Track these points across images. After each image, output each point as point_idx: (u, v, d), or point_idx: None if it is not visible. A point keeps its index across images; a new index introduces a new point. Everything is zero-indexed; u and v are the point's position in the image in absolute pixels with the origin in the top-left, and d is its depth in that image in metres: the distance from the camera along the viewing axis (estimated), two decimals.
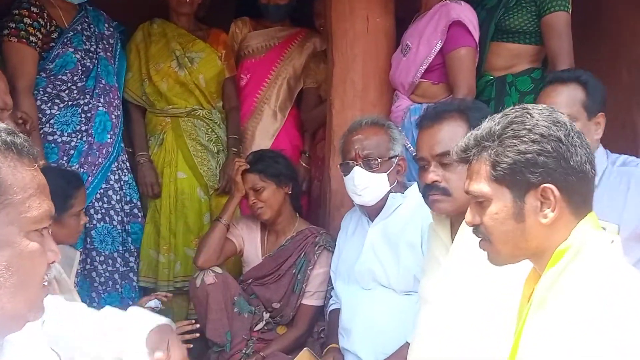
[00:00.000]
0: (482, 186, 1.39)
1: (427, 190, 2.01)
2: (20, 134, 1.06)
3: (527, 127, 1.34)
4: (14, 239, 1.01)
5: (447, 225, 2.06)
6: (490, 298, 1.79)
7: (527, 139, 1.33)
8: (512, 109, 1.42)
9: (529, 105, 1.42)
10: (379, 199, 2.60)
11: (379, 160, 2.57)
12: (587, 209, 1.37)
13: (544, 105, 1.43)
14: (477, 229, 1.44)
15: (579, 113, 2.21)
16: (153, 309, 2.70)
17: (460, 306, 1.91)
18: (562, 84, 2.28)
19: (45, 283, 1.09)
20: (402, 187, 2.63)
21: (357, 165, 2.59)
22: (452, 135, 1.96)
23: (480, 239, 1.45)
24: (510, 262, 1.45)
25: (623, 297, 1.23)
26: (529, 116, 1.35)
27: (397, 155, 2.61)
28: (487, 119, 1.43)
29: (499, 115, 1.41)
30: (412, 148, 2.83)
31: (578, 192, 1.35)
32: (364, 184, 2.59)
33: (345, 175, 2.64)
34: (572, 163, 1.32)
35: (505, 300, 1.69)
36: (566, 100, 2.23)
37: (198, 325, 2.70)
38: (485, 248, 1.45)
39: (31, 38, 2.97)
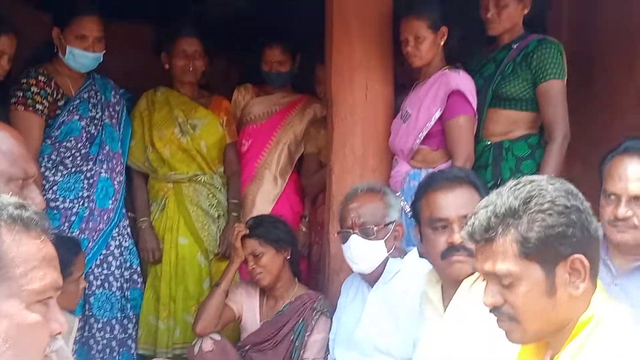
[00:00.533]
0: (510, 265, 1.36)
1: (452, 252, 2.02)
2: (31, 207, 1.09)
3: (547, 199, 1.34)
4: (13, 311, 1.02)
5: (439, 292, 2.09)
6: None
7: (552, 212, 1.34)
8: (518, 183, 1.42)
9: (535, 177, 1.43)
10: (376, 266, 2.64)
11: (375, 227, 2.62)
12: (597, 276, 1.40)
13: (549, 176, 1.46)
14: (498, 309, 1.41)
15: None
16: None
17: None
18: None
19: (47, 354, 1.09)
20: (400, 253, 2.65)
21: (354, 233, 2.62)
22: (471, 201, 2.00)
23: (498, 319, 1.43)
24: (535, 340, 1.43)
25: None
26: (544, 188, 1.36)
27: (393, 221, 2.65)
28: (494, 194, 1.43)
29: (506, 189, 1.41)
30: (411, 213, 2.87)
31: (596, 260, 1.38)
32: (360, 252, 2.64)
33: (343, 244, 2.68)
34: (591, 231, 1.35)
35: None
36: None
37: None
38: (506, 327, 1.42)
39: (37, 106, 3.07)
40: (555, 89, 2.97)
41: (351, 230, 2.62)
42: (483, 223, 1.38)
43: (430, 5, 3.08)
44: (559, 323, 1.38)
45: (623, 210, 1.99)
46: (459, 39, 3.19)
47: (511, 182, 1.42)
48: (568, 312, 1.37)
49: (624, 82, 3.37)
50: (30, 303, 1.04)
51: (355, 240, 2.62)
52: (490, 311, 1.42)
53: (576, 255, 1.34)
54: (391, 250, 2.63)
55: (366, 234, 2.61)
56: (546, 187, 1.36)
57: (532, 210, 1.35)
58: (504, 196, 1.38)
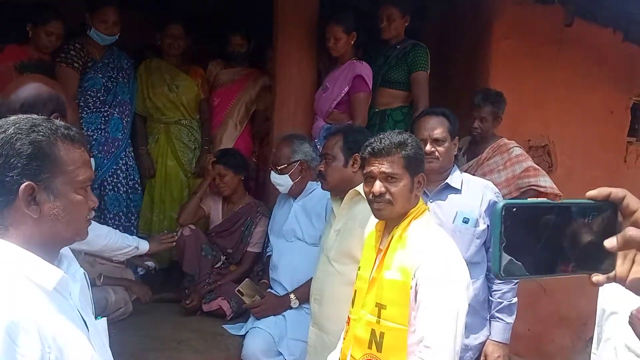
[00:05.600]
0: (398, 169, 1.66)
1: (318, 176, 2.45)
2: (74, 128, 1.21)
3: (405, 139, 1.66)
4: (68, 193, 1.15)
5: (339, 202, 2.37)
6: (355, 246, 2.10)
7: (410, 146, 1.66)
8: (398, 131, 1.73)
9: (403, 131, 1.76)
10: (288, 189, 2.90)
11: (281, 167, 2.86)
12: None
13: (412, 135, 1.78)
14: (382, 196, 1.68)
15: (446, 136, 2.31)
16: (149, 267, 3.15)
17: (338, 252, 2.22)
18: (436, 115, 2.36)
19: (88, 218, 1.23)
20: (317, 178, 2.73)
21: (272, 169, 2.95)
22: (333, 144, 2.36)
23: (378, 202, 1.68)
24: (395, 216, 1.70)
25: (443, 241, 1.69)
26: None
27: (297, 161, 2.84)
28: (387, 133, 1.72)
29: (395, 133, 1.71)
30: None
31: None
32: (275, 181, 2.91)
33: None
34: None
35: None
36: (437, 125, 2.29)
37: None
38: (382, 207, 1.69)
39: (75, 64, 3.28)
40: (421, 77, 3.23)
41: (272, 167, 2.91)
42: (386, 145, 1.69)
43: (345, 15, 3.22)
44: (407, 209, 1.69)
45: (428, 148, 2.25)
46: (364, 40, 3.32)
47: (392, 131, 1.75)
48: (411, 205, 1.69)
49: (467, 75, 3.62)
50: (77, 189, 1.16)
51: (272, 174, 2.90)
52: (376, 197, 1.69)
53: (420, 174, 1.67)
54: (297, 180, 2.83)
55: (277, 170, 2.86)
56: (385, 134, 1.69)
57: (407, 144, 1.64)
58: (394, 135, 1.71)
